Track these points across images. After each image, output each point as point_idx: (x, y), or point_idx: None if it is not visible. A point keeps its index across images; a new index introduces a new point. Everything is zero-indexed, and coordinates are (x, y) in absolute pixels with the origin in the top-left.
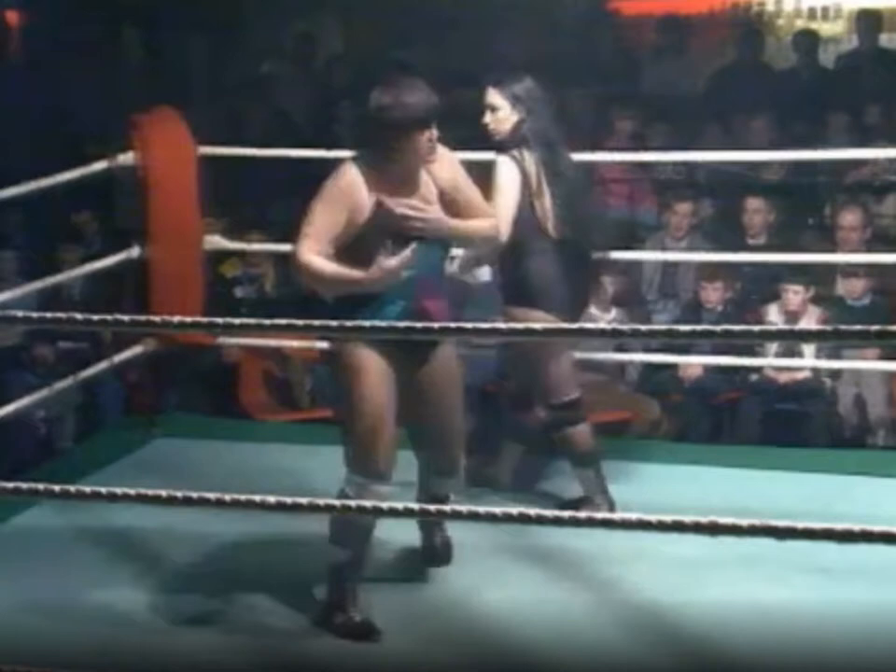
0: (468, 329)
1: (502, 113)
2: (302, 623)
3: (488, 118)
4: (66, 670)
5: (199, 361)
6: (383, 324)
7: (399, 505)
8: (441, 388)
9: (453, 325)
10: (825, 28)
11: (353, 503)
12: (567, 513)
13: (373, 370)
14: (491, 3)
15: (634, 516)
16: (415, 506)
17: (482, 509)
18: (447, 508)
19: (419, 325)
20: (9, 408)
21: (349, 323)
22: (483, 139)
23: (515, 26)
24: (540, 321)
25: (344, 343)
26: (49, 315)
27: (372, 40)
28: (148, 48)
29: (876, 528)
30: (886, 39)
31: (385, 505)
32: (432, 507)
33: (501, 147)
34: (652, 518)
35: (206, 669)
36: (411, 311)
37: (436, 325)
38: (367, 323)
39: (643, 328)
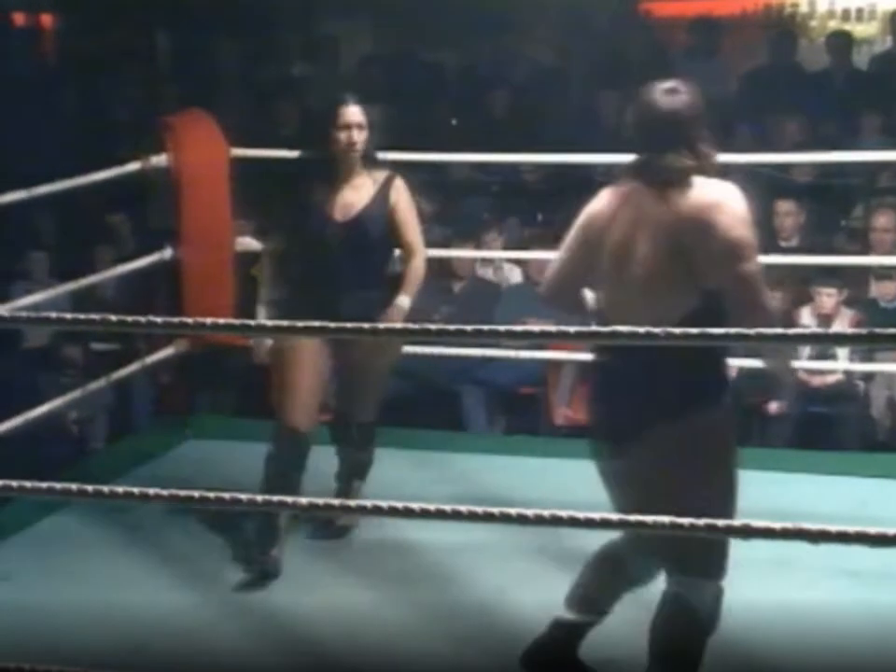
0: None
1: None
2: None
3: None
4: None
5: (230, 363)
6: (431, 327)
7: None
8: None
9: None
10: (859, 29)
11: (385, 504)
12: (565, 513)
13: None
14: (523, 5)
15: (666, 518)
16: (415, 506)
17: (480, 509)
18: (448, 508)
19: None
20: (43, 408)
21: (381, 325)
22: None
23: (546, 28)
24: None
25: None
26: (81, 316)
27: (403, 42)
28: (181, 50)
29: None
30: None
31: (433, 507)
32: (432, 507)
33: None
34: (665, 519)
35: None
36: None
37: (435, 327)
38: (403, 325)
39: (644, 330)
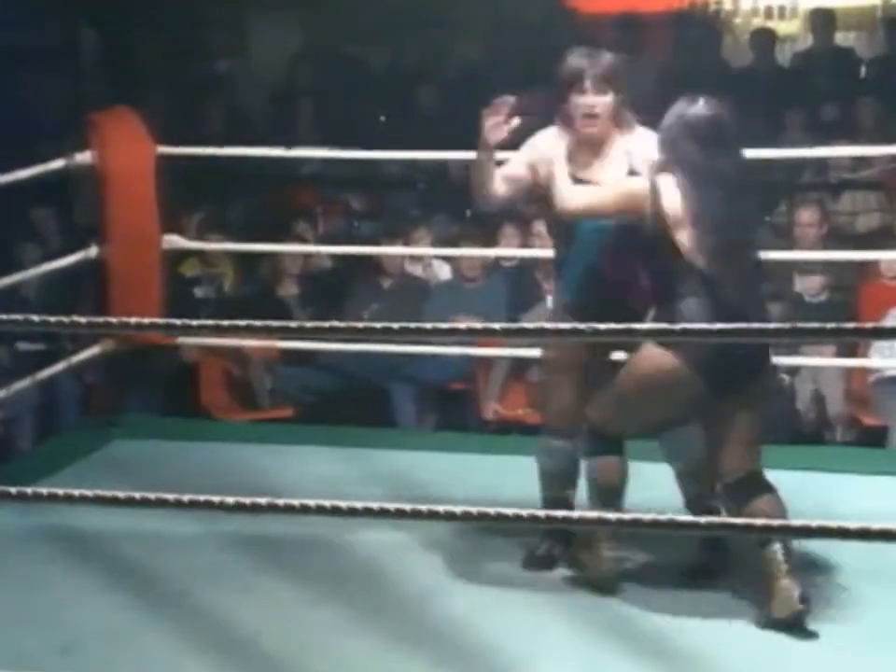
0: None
1: None
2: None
3: None
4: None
5: (157, 362)
6: (359, 325)
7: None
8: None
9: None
10: (782, 27)
11: (312, 503)
12: (542, 513)
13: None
14: (451, 1)
15: (593, 514)
16: (394, 507)
17: (442, 508)
18: (407, 507)
19: (397, 325)
20: None
21: (308, 324)
22: None
23: (474, 24)
24: None
25: None
26: (3, 316)
27: (331, 38)
28: (107, 47)
29: (832, 524)
30: (841, 38)
31: (360, 505)
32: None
33: None
34: (646, 517)
35: None
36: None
37: (429, 326)
38: (330, 323)
39: (594, 327)
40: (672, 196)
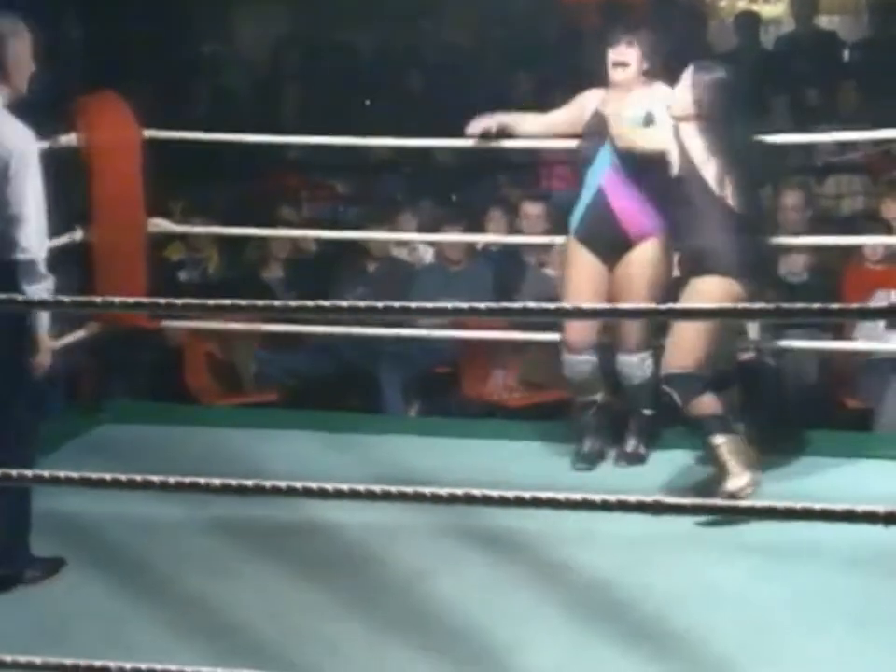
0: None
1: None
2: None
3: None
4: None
5: (142, 345)
6: (343, 304)
7: (361, 487)
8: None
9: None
10: (766, 10)
11: (298, 485)
12: (512, 494)
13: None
14: None
15: (578, 496)
16: (381, 488)
17: (428, 490)
18: (393, 489)
19: (381, 305)
20: None
21: (293, 303)
22: None
23: (460, 10)
24: None
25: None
26: None
27: (317, 23)
28: (93, 31)
29: (817, 505)
30: (825, 21)
31: (346, 487)
32: (409, 489)
33: None
34: (597, 497)
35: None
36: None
37: (413, 305)
38: (315, 303)
39: (560, 307)
40: (696, 139)
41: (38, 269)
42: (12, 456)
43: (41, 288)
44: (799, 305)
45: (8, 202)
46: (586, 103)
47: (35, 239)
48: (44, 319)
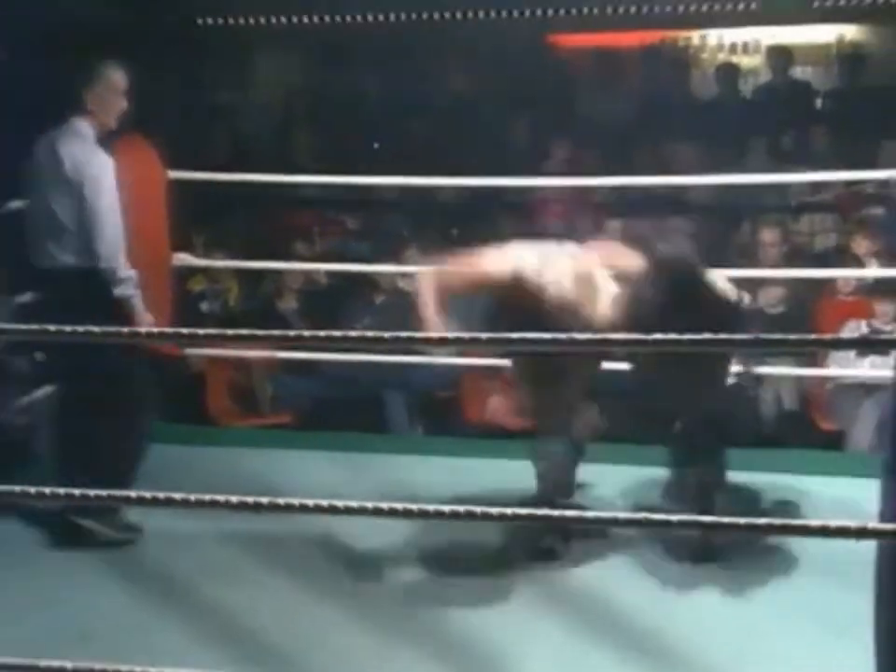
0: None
1: None
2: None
3: None
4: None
5: (167, 371)
6: (352, 333)
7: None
8: None
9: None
10: (745, 61)
11: (310, 502)
12: (524, 511)
13: None
14: (441, 35)
15: (571, 512)
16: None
17: (432, 507)
18: (399, 506)
19: (387, 335)
20: None
21: (306, 332)
22: None
23: (463, 58)
24: None
25: None
26: (24, 326)
27: (328, 71)
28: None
29: (795, 521)
30: (799, 72)
31: (355, 504)
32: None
33: None
34: (586, 513)
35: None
36: None
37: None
38: (326, 333)
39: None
40: None
41: (118, 274)
42: (134, 426)
43: (124, 288)
44: (777, 336)
45: (87, 220)
46: None
47: (111, 249)
48: (138, 301)
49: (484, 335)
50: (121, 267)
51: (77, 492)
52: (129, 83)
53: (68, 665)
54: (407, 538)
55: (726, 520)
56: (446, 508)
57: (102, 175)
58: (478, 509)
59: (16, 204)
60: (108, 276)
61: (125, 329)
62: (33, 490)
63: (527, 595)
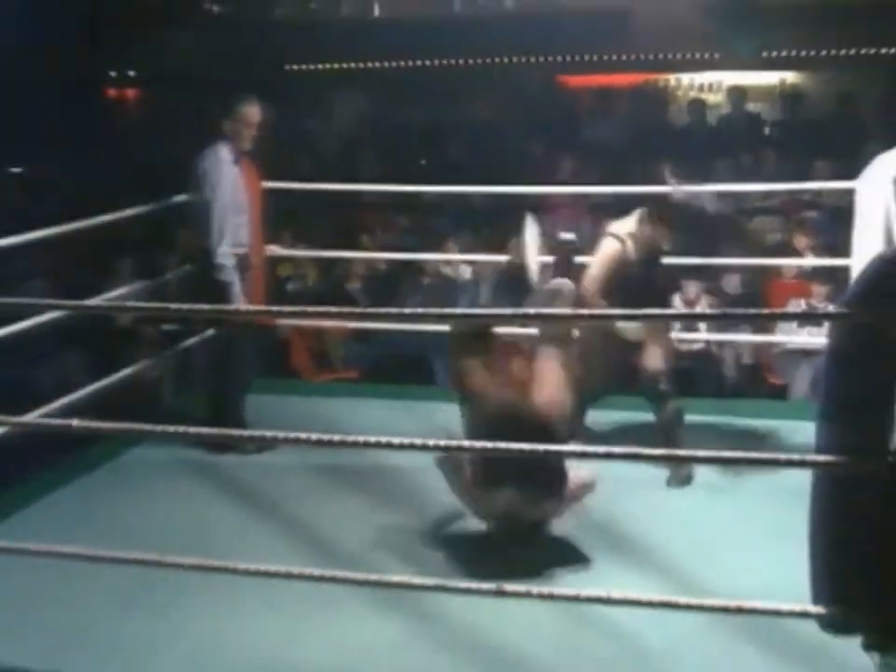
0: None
1: None
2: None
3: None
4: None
5: (263, 337)
6: (405, 311)
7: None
8: None
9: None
10: (710, 98)
11: (373, 439)
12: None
13: None
14: (473, 75)
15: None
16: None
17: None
18: (441, 442)
19: (434, 311)
20: (128, 370)
21: (370, 310)
22: None
23: (490, 94)
24: None
25: None
26: (154, 304)
27: (386, 105)
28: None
29: (750, 455)
30: (752, 106)
31: (407, 440)
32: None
33: None
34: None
35: None
36: None
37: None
38: (385, 310)
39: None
40: None
41: (218, 261)
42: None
43: (224, 273)
44: (738, 311)
45: (205, 219)
46: None
47: (215, 242)
48: (235, 285)
49: (507, 310)
50: (220, 256)
51: (200, 430)
52: (261, 117)
53: (188, 560)
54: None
55: (703, 453)
56: (477, 443)
57: (218, 185)
58: (502, 444)
59: (180, 198)
60: (212, 263)
61: (230, 307)
62: (160, 428)
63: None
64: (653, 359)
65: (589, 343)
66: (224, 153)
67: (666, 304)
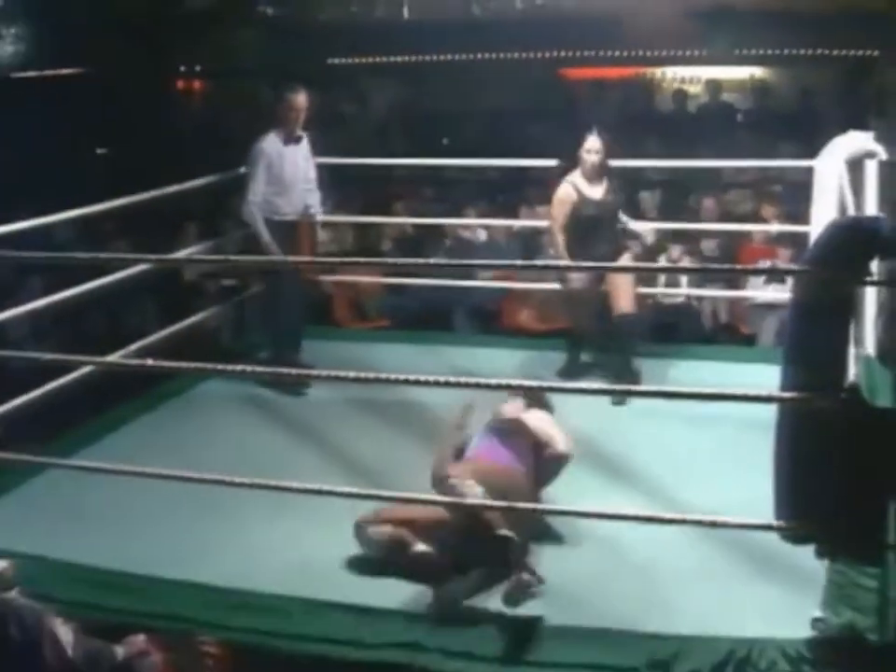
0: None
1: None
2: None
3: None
4: None
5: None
6: (431, 260)
7: None
8: None
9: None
10: (691, 88)
11: (402, 377)
12: (516, 381)
13: None
14: (487, 67)
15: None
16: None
17: (484, 380)
18: (462, 379)
19: (454, 262)
20: (193, 319)
21: (401, 260)
22: None
23: (500, 84)
24: None
25: None
26: (214, 257)
27: (415, 94)
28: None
29: (724, 391)
30: (726, 96)
31: (431, 378)
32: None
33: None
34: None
35: None
36: None
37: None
38: (413, 260)
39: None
40: None
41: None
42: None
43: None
44: (715, 266)
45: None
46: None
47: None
48: (265, 237)
49: (519, 262)
50: (244, 215)
51: (255, 368)
52: (306, 103)
53: (244, 479)
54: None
55: (684, 390)
56: (492, 381)
57: (255, 163)
58: (512, 380)
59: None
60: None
61: (289, 259)
62: (220, 366)
63: None
64: (623, 303)
65: (570, 295)
66: (272, 136)
67: (618, 240)
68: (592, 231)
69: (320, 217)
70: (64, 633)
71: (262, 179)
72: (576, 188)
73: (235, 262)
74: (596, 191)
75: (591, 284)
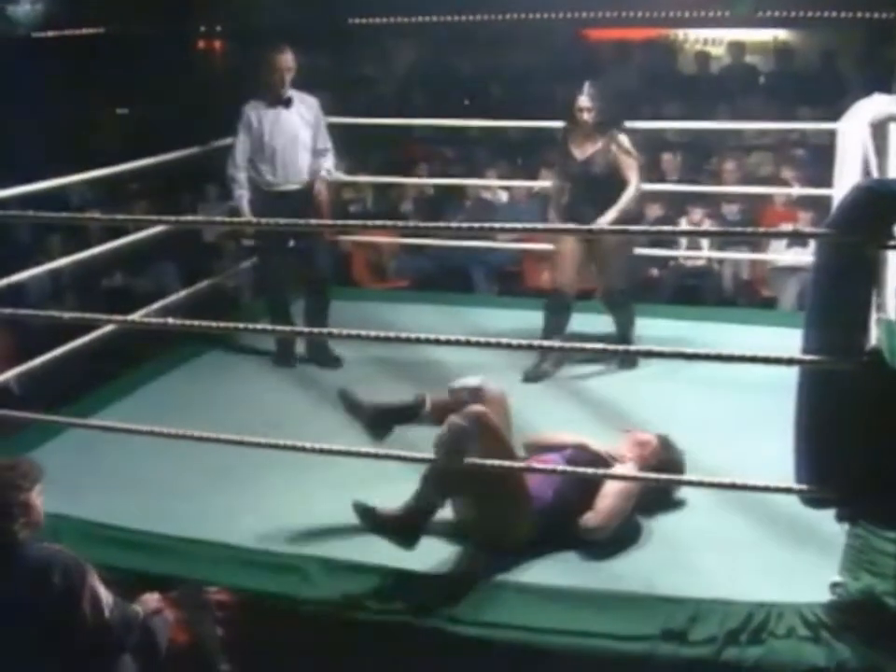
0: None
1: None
2: None
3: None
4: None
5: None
6: (451, 224)
7: None
8: None
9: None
10: (713, 50)
11: (422, 336)
12: (535, 342)
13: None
14: (505, 28)
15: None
16: None
17: (502, 339)
18: (481, 339)
19: (476, 225)
20: (212, 280)
21: (420, 224)
22: None
23: (523, 46)
24: None
25: None
26: (238, 219)
27: (435, 52)
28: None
29: (745, 353)
30: (749, 58)
31: (451, 337)
32: None
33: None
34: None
35: None
36: None
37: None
38: (433, 224)
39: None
40: None
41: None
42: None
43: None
44: (736, 229)
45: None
46: None
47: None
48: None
49: (539, 225)
50: (231, 180)
51: (274, 327)
52: (291, 63)
53: (264, 440)
54: (483, 361)
55: (706, 352)
56: (513, 341)
57: (239, 130)
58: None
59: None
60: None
61: (302, 221)
62: (241, 325)
63: (558, 391)
64: (608, 277)
65: (562, 253)
66: (255, 101)
67: (609, 204)
68: (576, 192)
69: (332, 177)
70: (105, 594)
71: (243, 146)
72: (563, 147)
73: (256, 225)
74: (585, 151)
75: (576, 245)
